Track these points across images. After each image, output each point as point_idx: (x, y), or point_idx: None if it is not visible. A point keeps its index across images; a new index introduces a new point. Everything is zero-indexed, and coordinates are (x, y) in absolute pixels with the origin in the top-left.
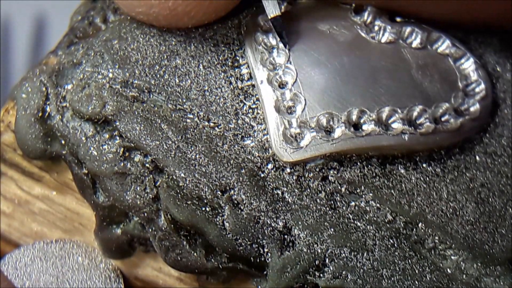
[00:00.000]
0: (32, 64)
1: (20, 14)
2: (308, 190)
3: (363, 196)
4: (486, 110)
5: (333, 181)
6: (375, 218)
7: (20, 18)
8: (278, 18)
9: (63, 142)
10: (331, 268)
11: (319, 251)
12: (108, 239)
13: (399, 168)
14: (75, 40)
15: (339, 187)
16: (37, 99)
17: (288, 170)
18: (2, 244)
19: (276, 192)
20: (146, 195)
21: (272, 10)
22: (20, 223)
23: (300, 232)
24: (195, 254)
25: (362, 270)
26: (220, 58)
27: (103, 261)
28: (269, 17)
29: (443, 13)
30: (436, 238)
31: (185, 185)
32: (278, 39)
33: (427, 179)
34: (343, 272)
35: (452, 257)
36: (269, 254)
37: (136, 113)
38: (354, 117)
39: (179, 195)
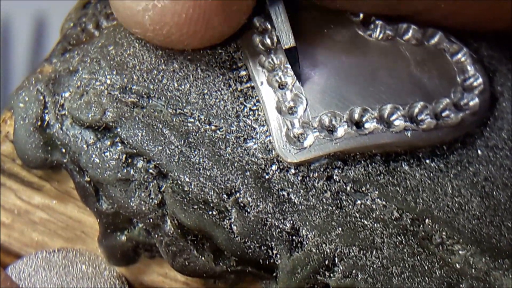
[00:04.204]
0: (32, 65)
1: (20, 14)
2: (314, 190)
3: (369, 194)
4: (485, 104)
5: (338, 180)
6: (381, 216)
7: (20, 18)
8: (293, 49)
9: (63, 150)
10: (341, 268)
11: (328, 251)
12: (112, 246)
13: (403, 165)
14: (69, 47)
15: (344, 186)
16: (35, 108)
17: (293, 171)
18: (3, 255)
19: (282, 193)
20: (151, 201)
21: (286, 41)
22: (20, 234)
23: (308, 233)
24: (203, 258)
25: (372, 268)
26: (218, 61)
27: (107, 269)
28: (283, 48)
29: (437, 17)
30: (444, 233)
31: (191, 189)
32: (276, 40)
33: (431, 175)
34: (353, 271)
35: (460, 252)
36: (278, 255)
37: (137, 119)
38: (356, 116)
39: (185, 199)
